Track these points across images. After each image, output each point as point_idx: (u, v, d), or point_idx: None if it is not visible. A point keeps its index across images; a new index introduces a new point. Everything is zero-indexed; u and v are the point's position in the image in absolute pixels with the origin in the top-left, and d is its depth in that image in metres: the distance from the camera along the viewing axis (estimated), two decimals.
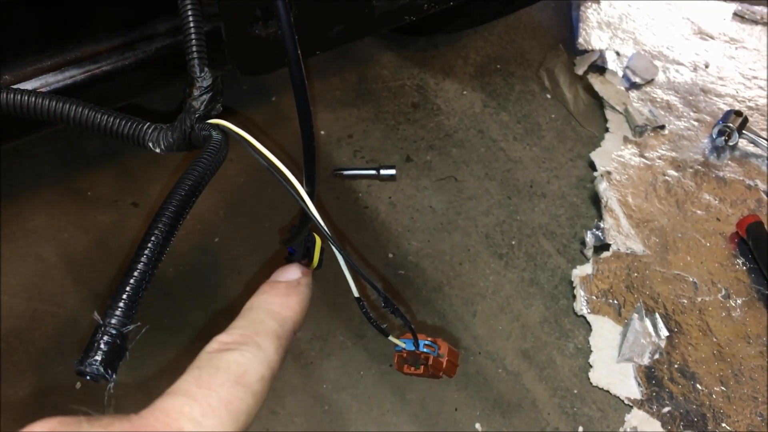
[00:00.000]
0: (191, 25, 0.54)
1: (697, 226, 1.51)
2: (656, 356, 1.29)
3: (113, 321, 0.37)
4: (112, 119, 0.53)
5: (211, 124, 0.52)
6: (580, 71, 1.80)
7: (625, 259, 1.42)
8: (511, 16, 1.79)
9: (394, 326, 1.20)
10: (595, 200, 1.53)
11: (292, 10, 0.44)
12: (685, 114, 1.76)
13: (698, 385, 1.26)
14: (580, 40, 1.90)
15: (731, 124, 1.65)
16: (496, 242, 1.43)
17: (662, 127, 1.71)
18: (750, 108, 1.80)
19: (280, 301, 0.44)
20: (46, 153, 1.41)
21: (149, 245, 0.40)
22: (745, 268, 1.44)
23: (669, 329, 1.33)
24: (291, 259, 0.58)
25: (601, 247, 1.44)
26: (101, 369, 0.36)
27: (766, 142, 1.66)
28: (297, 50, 0.43)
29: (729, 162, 1.66)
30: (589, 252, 1.42)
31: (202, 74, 0.54)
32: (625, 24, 2.00)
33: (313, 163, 0.47)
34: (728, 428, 1.22)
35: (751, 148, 1.68)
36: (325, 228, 0.45)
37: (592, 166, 1.59)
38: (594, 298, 1.35)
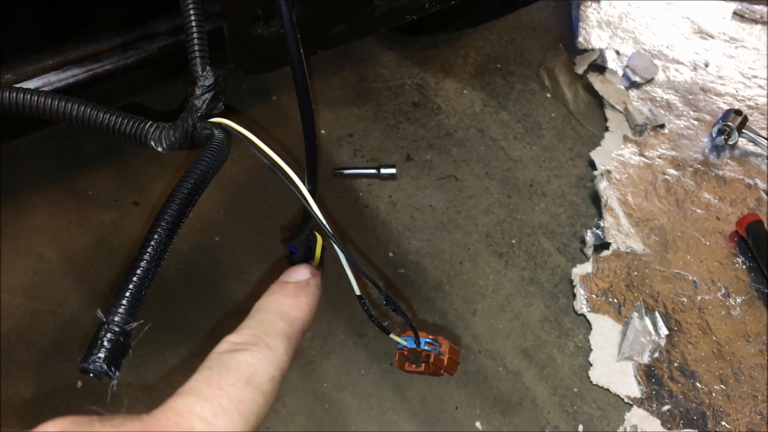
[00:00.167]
0: (193, 24, 0.54)
1: (696, 225, 1.51)
2: (656, 355, 1.29)
3: (116, 318, 0.37)
4: (114, 118, 0.53)
5: (213, 123, 0.52)
6: (580, 70, 1.81)
7: (625, 258, 1.42)
8: (511, 15, 1.79)
9: (395, 325, 1.20)
10: (595, 199, 1.53)
11: (294, 9, 0.44)
12: (684, 113, 1.76)
13: (698, 384, 1.27)
14: (580, 39, 1.90)
15: (731, 123, 1.65)
16: (496, 241, 1.43)
17: (662, 126, 1.71)
18: (750, 107, 1.81)
19: (289, 301, 0.44)
20: (46, 152, 1.41)
21: (152, 243, 0.40)
22: (744, 266, 1.45)
23: (669, 328, 1.33)
24: (292, 258, 0.58)
25: (601, 245, 1.44)
26: (104, 366, 0.36)
27: (765, 141, 1.66)
28: (299, 49, 0.43)
29: (729, 161, 1.66)
30: (589, 251, 1.43)
31: (204, 73, 0.54)
32: (625, 23, 2.00)
33: (315, 161, 0.47)
34: (728, 426, 1.22)
35: (750, 147, 1.69)
36: (327, 226, 0.45)
37: (592, 165, 1.59)
38: (594, 296, 1.36)
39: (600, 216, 1.49)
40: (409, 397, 1.20)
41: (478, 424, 1.19)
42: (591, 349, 1.29)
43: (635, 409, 1.23)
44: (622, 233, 1.46)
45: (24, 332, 1.18)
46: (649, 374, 1.27)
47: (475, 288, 1.35)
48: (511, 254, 1.42)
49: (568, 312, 1.34)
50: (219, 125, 0.52)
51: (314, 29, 0.79)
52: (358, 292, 0.53)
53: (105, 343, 0.37)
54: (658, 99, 1.79)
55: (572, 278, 1.38)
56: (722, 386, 1.27)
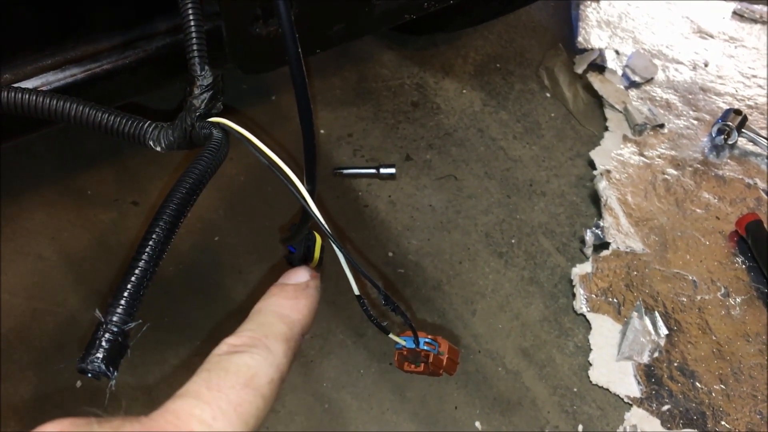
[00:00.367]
0: (192, 23, 0.54)
1: (696, 224, 1.51)
2: (656, 354, 1.29)
3: (115, 318, 0.37)
4: (112, 118, 0.53)
5: (212, 123, 0.52)
6: (579, 70, 1.80)
7: (625, 258, 1.42)
8: (511, 15, 1.79)
9: (395, 324, 1.20)
10: (595, 199, 1.53)
11: (292, 8, 0.44)
12: (684, 113, 1.76)
13: (698, 384, 1.27)
14: (580, 38, 1.90)
15: (730, 123, 1.65)
16: (495, 241, 1.43)
17: (662, 125, 1.71)
18: (749, 107, 1.81)
19: (289, 304, 0.44)
20: (46, 152, 1.41)
21: (150, 243, 0.40)
22: (744, 266, 1.45)
23: (668, 328, 1.33)
24: (291, 257, 0.58)
25: (601, 245, 1.44)
26: (103, 366, 0.36)
27: (765, 140, 1.66)
28: (298, 49, 0.43)
29: (728, 161, 1.66)
30: (589, 250, 1.43)
31: (203, 73, 0.54)
32: (624, 23, 2.00)
33: (313, 161, 0.47)
34: (728, 426, 1.22)
35: (750, 147, 1.69)
36: (326, 226, 0.45)
37: (592, 165, 1.59)
38: (594, 296, 1.36)
39: (599, 216, 1.49)
40: (408, 396, 1.20)
41: (477, 423, 1.19)
42: (591, 349, 1.29)
43: (635, 408, 1.23)
44: (621, 233, 1.46)
45: (23, 332, 1.18)
46: (648, 374, 1.27)
47: (474, 288, 1.35)
48: (511, 254, 1.42)
49: (567, 312, 1.34)
50: (218, 125, 0.52)
51: (313, 29, 0.79)
52: (357, 292, 0.53)
53: (103, 344, 0.36)
54: (658, 99, 1.79)
55: (572, 278, 1.38)
56: (722, 386, 1.27)
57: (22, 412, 1.10)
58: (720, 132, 1.67)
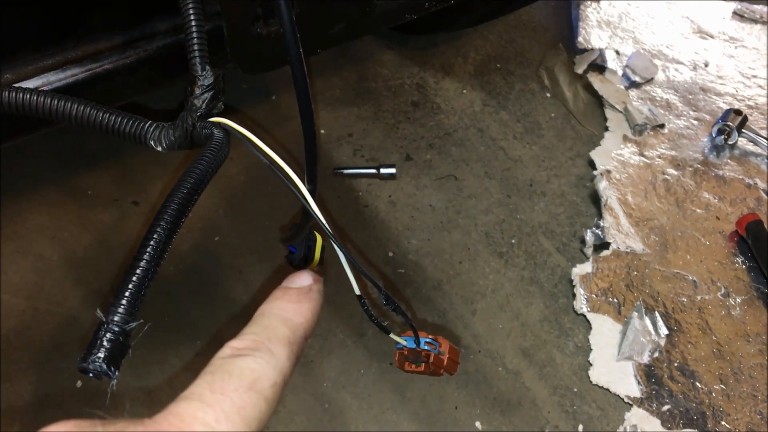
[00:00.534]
0: (193, 23, 0.54)
1: (696, 224, 1.51)
2: (656, 354, 1.29)
3: (116, 318, 0.37)
4: (113, 117, 0.53)
5: (213, 123, 0.52)
6: (579, 70, 1.81)
7: (625, 258, 1.42)
8: (511, 15, 1.79)
9: (395, 324, 1.20)
10: (595, 199, 1.53)
11: (293, 8, 0.44)
12: (684, 113, 1.76)
13: (698, 384, 1.27)
14: (580, 38, 1.90)
15: (731, 123, 1.65)
16: (495, 241, 1.43)
17: (662, 125, 1.71)
18: (749, 107, 1.81)
19: (292, 307, 0.44)
20: (46, 152, 1.41)
21: (152, 243, 0.40)
22: (744, 266, 1.45)
23: (669, 328, 1.33)
24: (292, 257, 0.58)
25: (601, 245, 1.44)
26: (104, 366, 0.36)
27: (765, 140, 1.66)
28: (299, 48, 0.43)
29: (728, 161, 1.66)
30: (589, 250, 1.43)
31: (204, 73, 0.54)
32: (624, 23, 2.00)
33: (314, 161, 0.47)
34: (728, 426, 1.22)
35: (750, 147, 1.69)
36: (327, 226, 0.45)
37: (592, 165, 1.59)
38: (594, 296, 1.36)
39: (600, 216, 1.49)
40: (408, 396, 1.20)
41: (477, 423, 1.19)
42: (591, 349, 1.29)
43: (635, 408, 1.23)
44: (621, 233, 1.46)
45: (24, 332, 1.18)
46: (648, 374, 1.27)
47: (474, 288, 1.35)
48: (511, 254, 1.42)
49: (567, 312, 1.34)
50: (218, 125, 0.52)
51: (314, 28, 0.79)
52: (357, 291, 0.53)
53: (104, 343, 0.36)
54: (658, 99, 1.79)
55: (572, 278, 1.38)
56: (722, 386, 1.27)
57: (23, 412, 1.10)
58: (720, 132, 1.67)
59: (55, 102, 0.53)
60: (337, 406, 1.18)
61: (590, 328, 1.32)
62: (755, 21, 2.08)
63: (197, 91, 0.54)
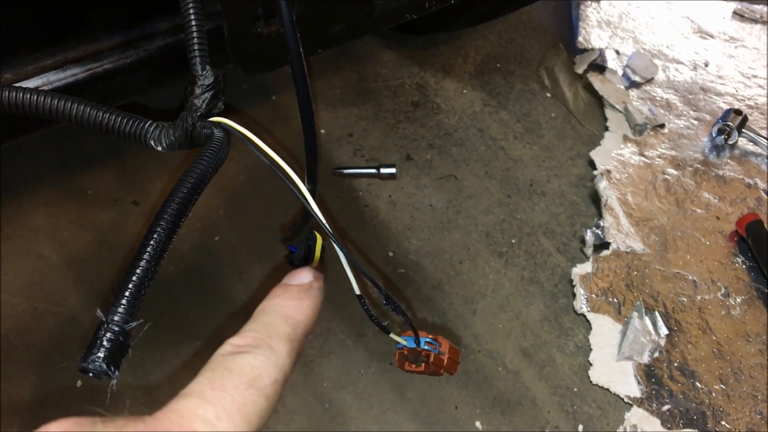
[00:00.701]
0: (193, 23, 0.54)
1: (696, 224, 1.51)
2: (656, 354, 1.29)
3: (116, 318, 0.37)
4: (113, 117, 0.53)
5: (213, 122, 0.52)
6: (579, 70, 1.80)
7: (625, 258, 1.42)
8: (511, 15, 1.79)
9: (395, 324, 1.20)
10: (595, 199, 1.53)
11: (294, 8, 0.44)
12: (684, 113, 1.76)
13: (698, 384, 1.27)
14: (580, 38, 1.90)
15: (731, 123, 1.65)
16: (496, 241, 1.43)
17: (662, 125, 1.71)
18: (749, 107, 1.81)
19: (292, 304, 0.44)
20: (46, 151, 1.41)
21: (152, 242, 0.40)
22: (744, 266, 1.45)
23: (669, 327, 1.33)
24: (292, 257, 0.58)
25: (601, 245, 1.44)
26: (104, 366, 0.36)
27: (765, 140, 1.66)
28: (299, 48, 0.43)
29: (728, 161, 1.66)
30: (589, 250, 1.43)
31: (204, 72, 0.54)
32: (624, 23, 2.00)
33: (314, 160, 0.47)
34: (728, 426, 1.22)
35: (750, 147, 1.69)
36: (327, 225, 0.45)
37: (592, 165, 1.59)
38: (594, 296, 1.36)
39: (600, 216, 1.49)
40: (408, 396, 1.20)
41: (477, 423, 1.19)
42: (591, 349, 1.29)
43: (635, 408, 1.23)
44: (621, 233, 1.46)
45: (24, 332, 1.18)
46: (648, 374, 1.27)
47: (474, 288, 1.35)
48: (511, 254, 1.42)
49: (567, 312, 1.34)
50: (219, 124, 0.52)
51: (314, 28, 0.79)
52: (357, 291, 0.53)
53: (104, 343, 0.36)
54: (658, 99, 1.79)
55: (572, 278, 1.38)
56: (722, 386, 1.27)
57: (23, 412, 1.10)
58: (720, 132, 1.67)
59: (55, 102, 0.53)
60: (337, 406, 1.18)
61: (590, 328, 1.32)
62: (755, 21, 2.08)
63: (197, 91, 0.54)
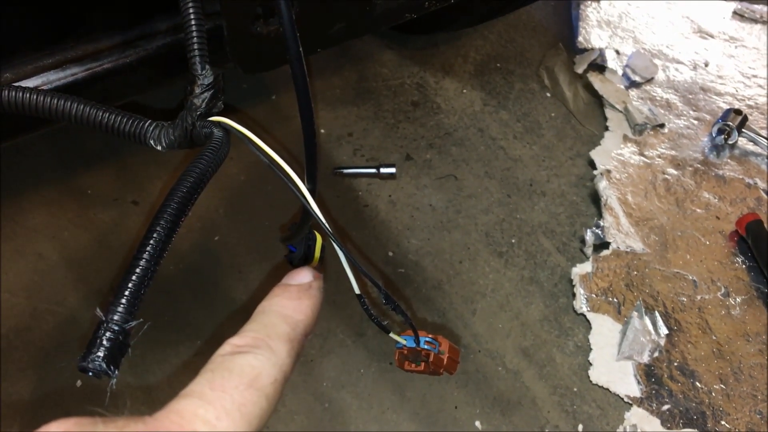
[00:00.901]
0: (192, 22, 0.54)
1: (696, 224, 1.51)
2: (656, 354, 1.29)
3: (116, 317, 0.37)
4: (113, 117, 0.53)
5: (213, 122, 0.52)
6: (579, 70, 1.80)
7: (625, 258, 1.42)
8: (511, 14, 1.79)
9: (395, 324, 1.20)
10: (595, 198, 1.53)
11: (293, 7, 0.44)
12: (684, 112, 1.76)
13: (698, 383, 1.27)
14: (580, 38, 1.90)
15: (731, 123, 1.65)
16: (495, 240, 1.43)
17: (662, 125, 1.71)
18: (749, 106, 1.81)
19: (292, 304, 0.43)
20: (46, 151, 1.41)
21: (151, 242, 0.40)
22: (744, 266, 1.45)
23: (668, 327, 1.33)
24: (292, 257, 0.58)
25: (601, 245, 1.44)
26: (103, 365, 0.36)
27: (765, 140, 1.66)
28: (299, 47, 0.43)
29: (728, 160, 1.66)
30: (589, 250, 1.43)
31: (204, 72, 0.54)
32: (624, 23, 2.00)
33: (314, 160, 0.47)
34: (728, 426, 1.22)
35: (750, 147, 1.69)
36: (327, 225, 0.45)
37: (592, 165, 1.59)
38: (594, 296, 1.36)
39: (600, 215, 1.49)
40: (408, 396, 1.20)
41: (477, 423, 1.19)
42: (591, 349, 1.29)
43: (635, 408, 1.23)
44: (621, 233, 1.46)
45: (23, 331, 1.18)
46: (648, 374, 1.27)
47: (474, 287, 1.35)
48: (511, 254, 1.42)
49: (567, 311, 1.34)
50: (218, 124, 0.52)
51: (314, 28, 0.79)
52: (357, 291, 0.53)
53: (104, 342, 0.37)
54: (658, 98, 1.79)
55: (572, 278, 1.38)
56: (722, 386, 1.27)
57: (23, 412, 1.10)
58: (720, 132, 1.67)
59: (55, 101, 0.53)
60: (337, 406, 1.18)
61: (590, 327, 1.32)
62: (755, 21, 2.08)
63: (197, 91, 0.54)
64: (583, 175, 1.58)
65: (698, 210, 1.54)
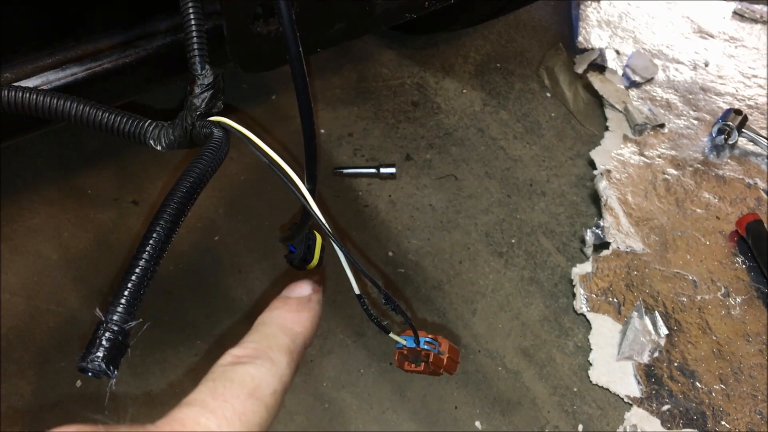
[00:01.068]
0: (192, 22, 0.54)
1: (696, 224, 1.51)
2: (656, 354, 1.29)
3: (115, 317, 0.37)
4: (113, 117, 0.53)
5: (213, 122, 0.52)
6: (579, 70, 1.80)
7: (625, 258, 1.42)
8: (511, 14, 1.79)
9: (395, 324, 1.20)
10: (595, 199, 1.53)
11: (293, 7, 0.44)
12: (684, 112, 1.76)
13: (698, 383, 1.27)
14: (580, 38, 1.90)
15: (731, 123, 1.65)
16: (495, 241, 1.43)
17: (662, 125, 1.71)
18: (749, 106, 1.81)
19: (291, 317, 0.44)
20: (46, 151, 1.41)
21: (151, 242, 0.40)
22: (744, 266, 1.45)
23: (669, 327, 1.33)
24: (292, 257, 0.58)
25: (601, 245, 1.44)
26: (103, 365, 0.36)
27: (765, 140, 1.66)
28: (298, 47, 0.43)
29: (728, 160, 1.66)
30: (589, 250, 1.43)
31: (204, 72, 0.54)
32: (624, 23, 2.00)
33: (314, 160, 0.47)
34: (728, 426, 1.22)
35: (750, 147, 1.69)
36: (327, 225, 0.45)
37: (592, 165, 1.59)
38: (594, 296, 1.36)
39: (600, 215, 1.49)
40: (408, 396, 1.20)
41: (477, 423, 1.19)
42: (591, 349, 1.29)
43: (635, 408, 1.23)
44: (621, 233, 1.46)
45: (23, 331, 1.18)
46: (648, 374, 1.27)
47: (474, 287, 1.35)
48: (511, 254, 1.42)
49: (567, 311, 1.34)
50: (218, 124, 0.52)
51: (314, 27, 0.79)
52: (357, 291, 0.53)
53: (104, 342, 0.37)
54: (658, 98, 1.79)
55: (572, 278, 1.38)
56: (722, 386, 1.27)
57: (22, 412, 1.10)
58: (720, 132, 1.67)
59: (55, 101, 0.53)
60: (337, 406, 1.18)
61: (590, 327, 1.32)
62: (755, 21, 2.08)
63: (197, 90, 0.54)
64: (583, 175, 1.58)
65: (698, 210, 1.54)
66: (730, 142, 1.67)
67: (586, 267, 1.40)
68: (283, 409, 1.15)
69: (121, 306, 0.38)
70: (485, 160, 1.57)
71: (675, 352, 1.30)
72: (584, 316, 1.33)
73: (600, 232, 1.46)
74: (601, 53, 1.85)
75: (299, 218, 0.52)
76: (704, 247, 1.47)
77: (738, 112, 1.68)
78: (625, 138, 1.67)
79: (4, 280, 1.23)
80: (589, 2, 2.02)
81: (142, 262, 0.39)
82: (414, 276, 1.35)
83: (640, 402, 1.23)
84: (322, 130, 1.56)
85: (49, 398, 1.12)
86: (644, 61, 1.86)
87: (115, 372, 0.37)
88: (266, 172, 0.45)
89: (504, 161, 1.58)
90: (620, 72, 1.83)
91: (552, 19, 1.95)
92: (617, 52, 1.89)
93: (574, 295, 1.36)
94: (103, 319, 0.37)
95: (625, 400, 1.23)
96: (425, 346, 0.61)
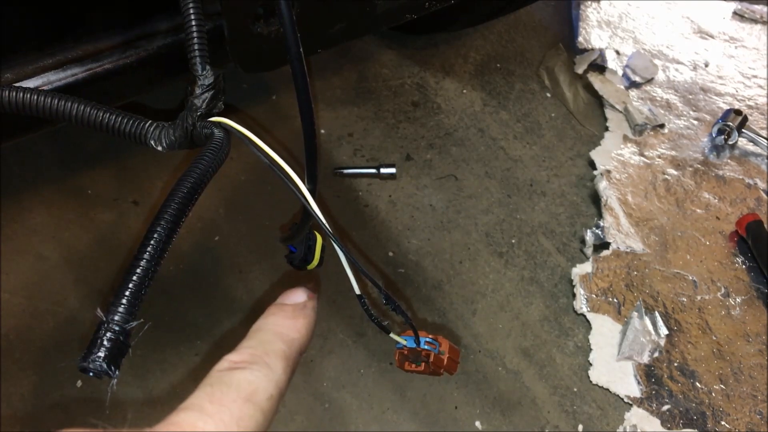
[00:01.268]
0: (193, 23, 0.54)
1: (696, 224, 1.51)
2: (656, 354, 1.29)
3: (116, 317, 0.37)
4: (113, 117, 0.53)
5: (213, 122, 0.52)
6: (579, 70, 1.80)
7: (625, 258, 1.42)
8: (511, 15, 1.79)
9: (395, 324, 1.20)
10: (595, 199, 1.53)
11: (294, 7, 0.44)
12: (684, 113, 1.76)
13: (698, 384, 1.27)
14: (580, 38, 1.90)
15: (731, 123, 1.65)
16: (496, 241, 1.43)
17: (662, 125, 1.71)
18: (749, 107, 1.81)
19: (287, 323, 0.45)
20: (46, 151, 1.41)
21: (152, 242, 0.40)
22: (744, 266, 1.45)
23: (669, 327, 1.33)
24: (292, 257, 0.58)
25: (601, 245, 1.44)
26: (104, 365, 0.36)
27: (765, 140, 1.66)
28: (299, 48, 0.43)
29: (728, 161, 1.66)
30: (589, 250, 1.43)
31: (204, 72, 0.54)
32: (624, 23, 2.00)
33: (314, 160, 0.47)
34: (728, 426, 1.22)
35: (750, 147, 1.69)
36: (327, 225, 0.46)
37: (592, 165, 1.59)
38: (594, 296, 1.36)
39: (600, 216, 1.49)
40: (408, 396, 1.20)
41: (477, 423, 1.19)
42: (591, 349, 1.29)
43: (635, 408, 1.23)
44: (621, 233, 1.46)
45: (24, 331, 1.18)
46: (648, 374, 1.27)
47: (474, 287, 1.35)
48: (511, 254, 1.42)
49: (567, 312, 1.34)
50: (219, 124, 0.52)
51: (314, 28, 0.79)
52: (357, 291, 0.53)
53: (105, 342, 0.37)
54: (658, 99, 1.79)
55: (572, 278, 1.38)
56: (722, 386, 1.27)
57: (23, 412, 1.10)
58: (720, 132, 1.67)
59: (56, 101, 0.53)
60: (337, 406, 1.18)
61: (590, 328, 1.32)
62: (755, 21, 2.08)
63: (197, 91, 0.54)
64: (583, 176, 1.58)
65: (698, 210, 1.54)
66: (730, 143, 1.67)
67: (586, 267, 1.40)
68: (283, 408, 1.15)
69: (123, 306, 0.38)
70: (485, 160, 1.57)
71: (675, 352, 1.30)
72: (584, 316, 1.33)
73: (600, 233, 1.46)
74: (601, 53, 1.85)
75: (300, 218, 0.52)
76: (704, 248, 1.47)
77: (738, 112, 1.68)
78: (625, 138, 1.67)
79: (5, 279, 1.23)
80: (589, 2, 2.02)
81: (143, 263, 0.39)
82: (414, 276, 1.35)
83: (640, 402, 1.23)
84: (323, 130, 1.56)
85: (49, 398, 1.12)
86: (644, 61, 1.86)
87: (117, 372, 0.37)
88: (267, 173, 0.45)
89: (504, 161, 1.58)
90: (620, 72, 1.83)
91: (552, 20, 1.95)
92: (617, 52, 1.89)
93: (574, 295, 1.36)
94: (105, 319, 0.37)
95: (625, 400, 1.24)
96: (425, 346, 0.61)
